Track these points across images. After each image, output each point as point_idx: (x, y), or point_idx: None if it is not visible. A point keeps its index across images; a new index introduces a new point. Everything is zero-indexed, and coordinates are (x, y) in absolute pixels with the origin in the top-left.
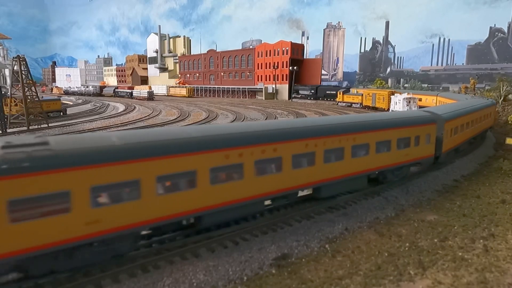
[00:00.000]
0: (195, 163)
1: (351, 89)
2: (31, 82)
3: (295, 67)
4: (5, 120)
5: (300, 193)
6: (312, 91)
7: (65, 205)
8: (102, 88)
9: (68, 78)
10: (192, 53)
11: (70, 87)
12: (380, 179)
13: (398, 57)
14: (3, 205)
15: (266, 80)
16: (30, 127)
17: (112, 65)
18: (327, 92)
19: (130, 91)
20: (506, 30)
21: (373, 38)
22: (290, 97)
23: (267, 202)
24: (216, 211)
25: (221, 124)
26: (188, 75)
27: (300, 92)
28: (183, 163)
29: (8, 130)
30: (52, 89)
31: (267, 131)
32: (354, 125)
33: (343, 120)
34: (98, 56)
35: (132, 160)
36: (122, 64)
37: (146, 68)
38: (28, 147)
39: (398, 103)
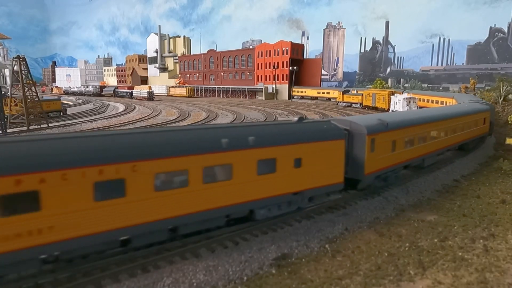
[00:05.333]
0: None
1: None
2: (31, 82)
3: (295, 67)
4: (5, 120)
5: None
6: None
7: None
8: (102, 88)
9: (68, 78)
10: (192, 53)
11: (70, 87)
12: None
13: (398, 57)
14: None
15: (266, 80)
16: (30, 127)
17: (112, 65)
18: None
19: (130, 91)
20: (506, 30)
21: (373, 38)
22: (290, 97)
23: None
24: None
25: None
26: (188, 75)
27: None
28: None
29: (8, 130)
30: (52, 89)
31: None
32: None
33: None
34: (98, 56)
35: None
36: (122, 64)
37: (146, 68)
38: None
39: (398, 103)
